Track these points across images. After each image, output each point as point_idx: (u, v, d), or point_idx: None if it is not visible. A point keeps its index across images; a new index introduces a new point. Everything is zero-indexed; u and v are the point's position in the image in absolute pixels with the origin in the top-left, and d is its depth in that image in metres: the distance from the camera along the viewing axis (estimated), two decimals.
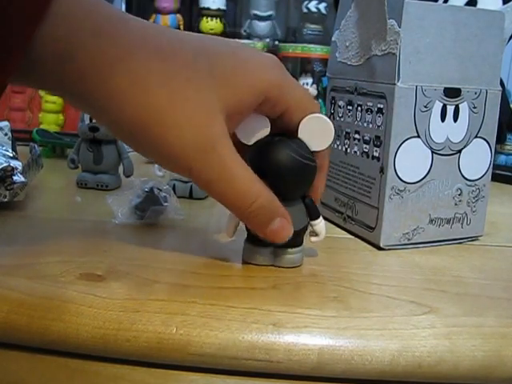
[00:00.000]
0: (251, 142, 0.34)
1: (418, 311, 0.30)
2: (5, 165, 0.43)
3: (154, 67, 0.28)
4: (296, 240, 0.35)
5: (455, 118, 0.40)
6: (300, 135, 0.33)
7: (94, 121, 0.51)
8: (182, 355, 0.27)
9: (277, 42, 1.03)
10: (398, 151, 0.39)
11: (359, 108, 0.42)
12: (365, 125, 0.41)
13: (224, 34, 1.03)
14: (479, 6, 0.59)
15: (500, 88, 0.42)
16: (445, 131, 0.40)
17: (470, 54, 0.40)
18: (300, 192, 0.35)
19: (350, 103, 0.43)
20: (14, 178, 0.43)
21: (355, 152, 0.43)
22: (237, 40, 0.92)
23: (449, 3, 0.62)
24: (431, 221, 0.41)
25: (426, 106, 0.39)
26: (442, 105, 0.40)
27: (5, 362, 0.30)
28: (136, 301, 0.29)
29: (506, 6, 0.57)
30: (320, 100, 0.90)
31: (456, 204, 0.42)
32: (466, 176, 0.42)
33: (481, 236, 0.44)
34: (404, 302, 0.31)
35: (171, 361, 0.28)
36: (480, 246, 0.43)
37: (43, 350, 0.29)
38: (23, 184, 0.43)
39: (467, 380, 0.28)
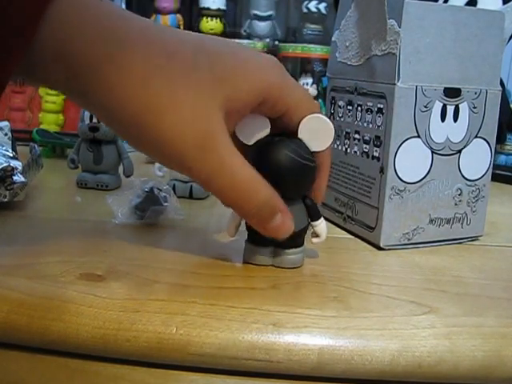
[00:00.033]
0: (251, 142, 0.34)
1: (418, 311, 0.30)
2: (5, 165, 0.43)
3: (154, 64, 0.28)
4: (297, 240, 0.35)
5: (455, 118, 0.40)
6: (300, 135, 0.33)
7: (94, 121, 0.51)
8: (182, 355, 0.27)
9: (277, 42, 1.03)
10: (398, 151, 0.39)
11: (359, 108, 0.42)
12: (365, 125, 0.41)
13: (224, 34, 1.03)
14: (479, 6, 0.59)
15: (500, 88, 0.42)
16: (445, 131, 0.40)
17: (470, 54, 0.40)
18: (300, 192, 0.35)
19: (350, 103, 0.43)
20: (14, 177, 0.43)
21: (355, 152, 0.43)
22: (236, 40, 0.92)
23: (449, 3, 0.62)
24: (431, 221, 0.41)
25: (425, 106, 0.39)
26: (441, 105, 0.40)
27: (5, 362, 0.30)
28: (136, 301, 0.29)
29: (506, 6, 0.57)
30: (320, 100, 0.90)
31: (456, 204, 0.42)
32: (466, 176, 0.42)
33: (481, 236, 0.44)
34: (404, 302, 0.31)
35: (171, 361, 0.28)
36: (480, 246, 0.43)
37: (43, 350, 0.29)
38: (23, 184, 0.43)
39: (467, 380, 0.28)
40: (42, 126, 0.76)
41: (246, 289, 0.32)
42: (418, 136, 0.39)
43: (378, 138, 0.40)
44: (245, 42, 0.98)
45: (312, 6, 1.01)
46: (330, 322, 0.29)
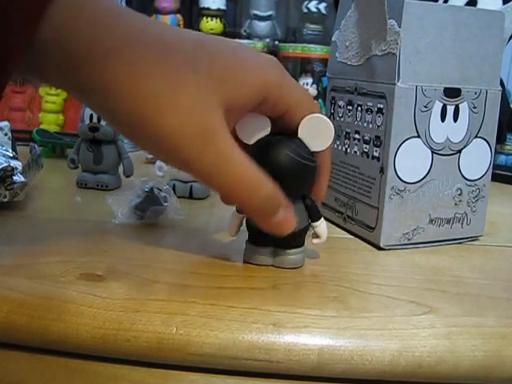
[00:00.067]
0: (252, 142, 0.34)
1: (418, 311, 0.30)
2: (5, 165, 0.43)
3: (152, 59, 0.28)
4: (297, 240, 0.35)
5: (455, 118, 0.40)
6: (300, 135, 0.33)
7: (94, 121, 0.51)
8: (182, 355, 0.27)
9: (277, 42, 1.03)
10: (398, 151, 0.39)
11: (359, 108, 0.42)
12: (365, 125, 0.41)
13: (224, 33, 1.03)
14: (479, 6, 0.59)
15: (500, 88, 0.42)
16: (445, 131, 0.40)
17: (470, 53, 0.40)
18: (299, 192, 0.35)
19: (350, 103, 0.43)
20: (14, 177, 0.43)
21: (355, 152, 0.43)
22: (237, 40, 0.92)
23: (449, 3, 0.62)
24: (431, 221, 0.41)
25: (425, 106, 0.39)
26: (441, 105, 0.40)
27: (5, 362, 0.30)
28: (136, 301, 0.29)
29: (506, 6, 0.57)
30: (320, 100, 0.90)
31: (456, 204, 0.42)
32: (466, 176, 0.42)
33: (481, 236, 0.44)
34: (404, 301, 0.31)
35: (171, 361, 0.28)
36: (480, 246, 0.43)
37: (43, 350, 0.29)
38: (23, 184, 0.43)
39: (467, 380, 0.28)
40: (42, 126, 0.76)
41: (246, 289, 0.32)
42: (418, 136, 0.39)
43: (377, 137, 0.40)
44: (245, 41, 0.98)
45: (312, 6, 1.01)
46: (330, 321, 0.29)
